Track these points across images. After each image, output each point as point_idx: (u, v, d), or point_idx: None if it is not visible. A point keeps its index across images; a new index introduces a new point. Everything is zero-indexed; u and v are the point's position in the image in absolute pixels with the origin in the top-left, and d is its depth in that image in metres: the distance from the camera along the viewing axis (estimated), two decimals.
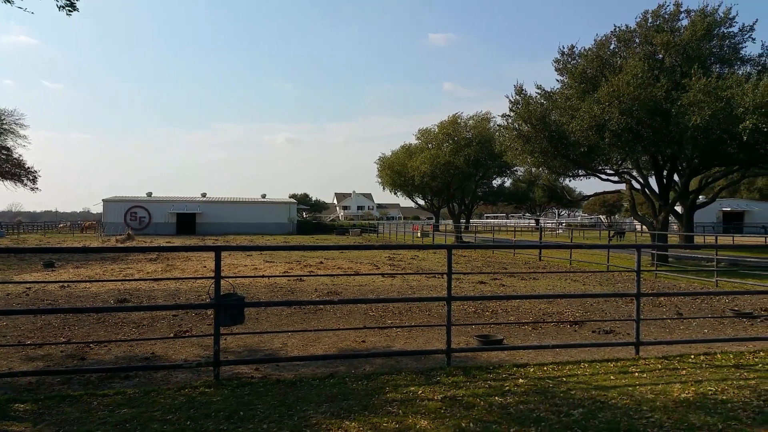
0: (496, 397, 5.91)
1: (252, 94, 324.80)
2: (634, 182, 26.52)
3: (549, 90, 23.83)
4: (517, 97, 23.14)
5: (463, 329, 9.72)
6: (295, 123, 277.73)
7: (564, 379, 6.68)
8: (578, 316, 11.54)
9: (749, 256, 23.95)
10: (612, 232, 44.83)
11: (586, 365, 7.31)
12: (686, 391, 6.25)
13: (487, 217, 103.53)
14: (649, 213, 28.18)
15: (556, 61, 23.61)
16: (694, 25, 21.73)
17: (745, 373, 7.14)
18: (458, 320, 10.71)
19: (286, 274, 18.17)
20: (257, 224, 60.55)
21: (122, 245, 31.47)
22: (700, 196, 32.63)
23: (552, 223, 76.63)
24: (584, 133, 20.75)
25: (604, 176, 27.00)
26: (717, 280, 17.40)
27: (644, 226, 33.40)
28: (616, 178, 27.14)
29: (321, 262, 22.57)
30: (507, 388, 6.27)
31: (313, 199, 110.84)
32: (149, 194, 63.19)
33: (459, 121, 41.90)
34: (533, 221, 74.98)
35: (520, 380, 6.55)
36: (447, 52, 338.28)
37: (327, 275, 9.47)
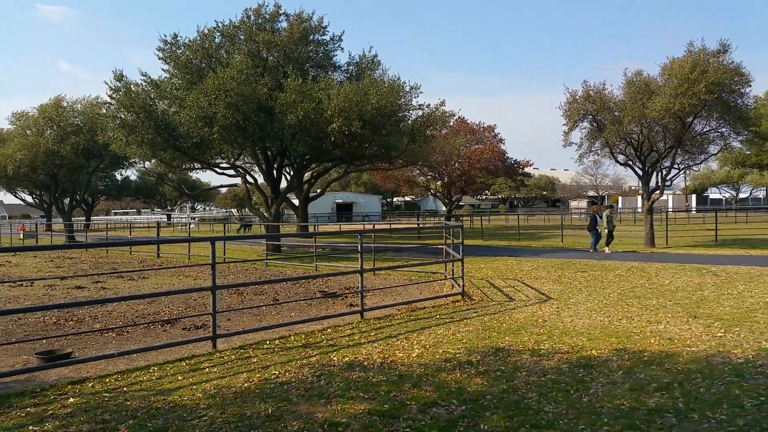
0: (31, 427, 5.01)
1: None
2: (248, 176, 27.49)
3: (156, 78, 22.72)
4: (117, 83, 21.37)
5: (30, 346, 8.27)
6: None
7: (125, 389, 6.12)
8: (177, 313, 11.13)
9: (346, 242, 27.36)
10: (240, 225, 46.37)
11: (156, 369, 6.89)
12: (251, 379, 6.38)
13: (116, 213, 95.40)
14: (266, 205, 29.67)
15: (160, 49, 22.61)
16: (292, 28, 23.44)
17: (310, 351, 7.72)
18: (29, 335, 9.13)
19: None
20: None
21: None
22: (318, 189, 35.93)
23: (185, 217, 75.03)
24: (194, 125, 20.40)
25: (219, 170, 27.27)
26: (316, 265, 19.01)
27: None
28: (232, 172, 27.70)
29: None
30: (50, 412, 5.40)
31: None
32: None
33: (64, 104, 36.74)
34: (165, 216, 71.88)
35: (71, 400, 5.74)
36: (62, 28, 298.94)
37: None
